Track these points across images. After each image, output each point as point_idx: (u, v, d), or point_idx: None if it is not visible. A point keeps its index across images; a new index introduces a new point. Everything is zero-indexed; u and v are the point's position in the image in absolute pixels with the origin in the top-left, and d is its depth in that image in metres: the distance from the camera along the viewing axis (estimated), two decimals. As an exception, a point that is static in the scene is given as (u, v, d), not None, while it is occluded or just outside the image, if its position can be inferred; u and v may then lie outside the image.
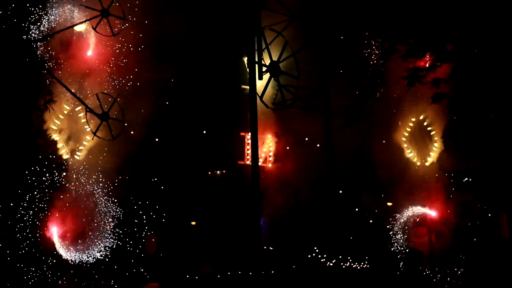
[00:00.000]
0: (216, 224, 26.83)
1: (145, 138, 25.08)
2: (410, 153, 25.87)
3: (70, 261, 23.72)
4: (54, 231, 23.44)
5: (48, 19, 22.65)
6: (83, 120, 23.22)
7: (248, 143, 26.91)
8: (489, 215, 24.83)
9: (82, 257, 23.97)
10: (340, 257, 26.18)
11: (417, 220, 25.86)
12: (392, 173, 25.38)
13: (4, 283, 21.96)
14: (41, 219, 23.11)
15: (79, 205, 23.79)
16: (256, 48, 13.24)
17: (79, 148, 24.20)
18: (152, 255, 23.27)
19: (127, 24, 17.63)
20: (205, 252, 25.57)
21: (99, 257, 24.28)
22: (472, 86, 20.50)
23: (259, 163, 15.87)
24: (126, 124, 18.14)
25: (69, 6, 22.96)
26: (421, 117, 25.61)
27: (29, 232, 22.82)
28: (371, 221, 26.67)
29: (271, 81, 13.91)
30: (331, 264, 26.16)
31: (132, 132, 23.55)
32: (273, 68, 13.54)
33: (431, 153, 25.53)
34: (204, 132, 27.45)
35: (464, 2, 18.38)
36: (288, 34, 14.39)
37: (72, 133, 24.15)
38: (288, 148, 27.39)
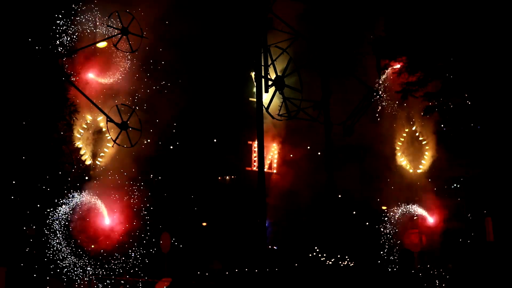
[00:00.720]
0: (225, 225, 26.85)
1: (161, 146, 25.13)
2: (403, 161, 25.85)
3: (91, 257, 23.76)
4: (77, 230, 23.49)
5: (72, 36, 22.80)
6: (104, 129, 23.32)
7: (255, 151, 26.94)
8: (476, 219, 24.74)
9: (102, 253, 24.00)
10: (339, 256, 26.13)
11: (409, 222, 25.80)
12: (387, 179, 25.35)
13: (29, 281, 21.98)
14: (65, 219, 23.16)
15: (100, 206, 23.83)
16: (262, 64, 13.26)
17: (101, 154, 24.29)
18: (166, 253, 23.33)
19: (148, 39, 17.62)
20: (215, 251, 25.59)
21: (117, 254, 24.31)
22: (460, 100, 20.51)
23: (265, 169, 15.85)
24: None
25: (92, 24, 23.12)
26: (414, 128, 25.59)
27: (53, 231, 22.88)
28: (367, 223, 26.61)
29: (276, 94, 13.91)
30: (330, 263, 26.12)
31: (149, 140, 23.58)
32: (278, 82, 13.54)
33: (422, 161, 25.50)
34: (215, 140, 27.51)
35: (453, 25, 18.40)
36: (292, 51, 14.40)
37: (94, 140, 24.25)
38: (291, 155, 27.41)
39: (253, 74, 24.50)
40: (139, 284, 24.25)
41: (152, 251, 24.93)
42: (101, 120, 23.75)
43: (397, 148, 25.87)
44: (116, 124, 16.14)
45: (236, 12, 23.55)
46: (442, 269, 24.81)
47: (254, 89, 13.18)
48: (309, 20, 20.40)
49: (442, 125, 24.32)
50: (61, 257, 22.93)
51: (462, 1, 17.83)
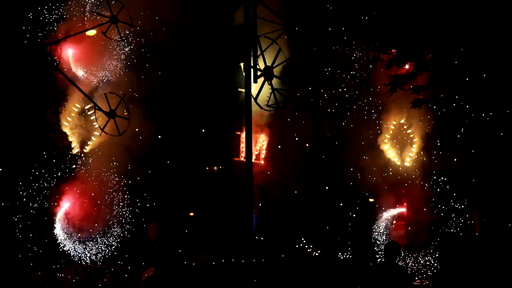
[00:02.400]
0: (212, 216, 26.85)
1: (149, 135, 25.07)
2: (391, 154, 25.86)
3: (77, 246, 23.73)
4: (62, 219, 23.45)
5: (61, 23, 22.71)
6: (92, 117, 23.26)
7: (243, 141, 26.89)
8: (462, 212, 24.85)
9: (88, 243, 23.97)
10: (326, 247, 26.19)
11: (396, 215, 25.88)
12: (374, 171, 25.38)
13: (14, 268, 21.92)
14: (49, 207, 23.12)
15: (86, 195, 23.81)
16: (252, 54, 13.25)
17: (88, 142, 24.22)
18: (153, 242, 23.33)
19: (137, 28, 17.57)
20: (202, 241, 25.59)
21: (104, 243, 24.28)
22: (448, 93, 20.60)
23: (253, 160, 15.86)
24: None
25: (81, 11, 23.03)
26: (402, 121, 25.61)
27: (37, 220, 22.82)
28: (354, 215, 26.66)
29: (265, 85, 13.91)
30: (316, 254, 26.19)
31: (137, 129, 23.53)
32: (267, 73, 13.55)
33: (410, 154, 25.52)
34: (203, 130, 27.46)
35: (442, 16, 18.45)
36: (282, 42, 14.40)
37: (82, 128, 24.19)
38: (279, 146, 27.42)
39: (242, 64, 24.48)
40: (126, 274, 24.23)
41: (139, 240, 24.92)
42: (90, 108, 23.67)
43: (385, 140, 25.87)
44: (104, 112, 16.15)
45: (226, 1, 23.55)
46: (428, 261, 24.92)
47: (243, 80, 13.12)
48: (298, 10, 20.42)
49: (431, 119, 24.39)
50: (46, 245, 22.89)
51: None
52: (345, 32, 23.20)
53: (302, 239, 26.53)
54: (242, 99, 13.11)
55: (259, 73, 13.52)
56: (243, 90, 13.07)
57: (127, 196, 24.83)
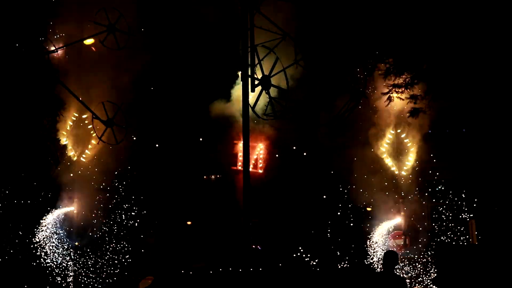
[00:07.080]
0: (210, 224, 26.83)
1: (147, 144, 25.06)
2: (388, 163, 25.85)
3: (74, 254, 23.69)
4: (59, 227, 23.42)
5: (59, 32, 22.69)
6: (90, 126, 23.24)
7: (240, 150, 26.89)
8: (460, 221, 24.84)
9: (85, 251, 23.93)
10: (323, 256, 26.16)
11: (394, 224, 25.84)
12: (372, 180, 25.36)
13: (12, 274, 21.90)
14: (46, 216, 23.09)
15: (84, 203, 23.76)
16: (249, 63, 13.23)
17: (86, 151, 24.19)
18: (150, 251, 23.27)
19: (134, 35, 17.50)
20: (199, 250, 25.56)
21: (101, 251, 24.23)
22: (446, 103, 20.58)
23: (250, 169, 15.82)
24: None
25: (78, 20, 23.01)
26: (399, 130, 25.60)
27: (34, 228, 22.79)
28: (351, 224, 26.63)
29: (262, 94, 13.88)
30: (314, 263, 26.13)
31: (134, 138, 23.50)
32: (265, 82, 13.52)
33: (407, 163, 25.52)
34: (201, 139, 27.46)
35: (438, 26, 18.46)
36: (279, 51, 14.37)
37: (80, 137, 24.16)
38: (276, 155, 27.41)
39: (239, 73, 24.48)
40: (124, 282, 24.18)
41: (136, 249, 24.86)
42: (87, 117, 23.63)
43: (383, 149, 25.88)
44: (102, 121, 16.09)
45: (223, 10, 23.54)
46: (425, 270, 24.89)
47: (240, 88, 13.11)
48: (296, 20, 20.43)
49: (428, 128, 24.40)
50: (42, 254, 22.85)
51: (449, 3, 17.89)
52: (343, 40, 23.21)
53: (300, 248, 26.48)
54: (240, 108, 13.05)
55: (256, 82, 13.50)
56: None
57: (125, 205, 24.77)
